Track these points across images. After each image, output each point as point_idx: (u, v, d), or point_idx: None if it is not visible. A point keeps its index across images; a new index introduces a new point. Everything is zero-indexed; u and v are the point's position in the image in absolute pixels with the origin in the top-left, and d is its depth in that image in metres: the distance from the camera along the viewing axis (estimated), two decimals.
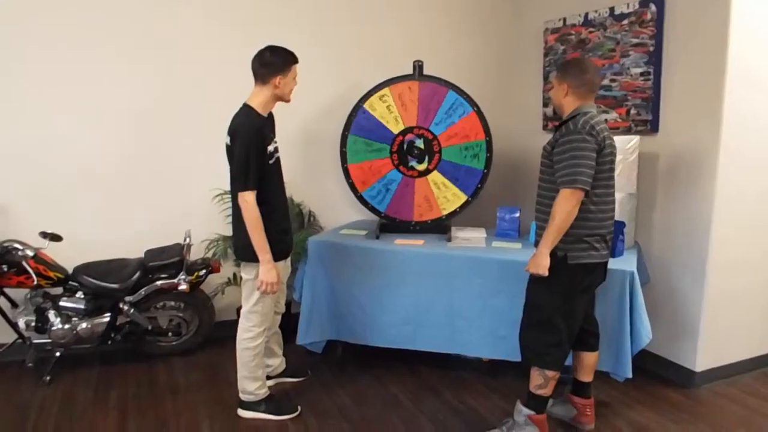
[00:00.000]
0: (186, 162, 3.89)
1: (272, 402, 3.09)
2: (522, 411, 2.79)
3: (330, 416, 3.08)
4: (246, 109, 2.83)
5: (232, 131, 2.79)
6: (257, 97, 2.82)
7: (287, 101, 2.93)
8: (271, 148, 2.88)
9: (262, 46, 2.85)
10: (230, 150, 2.82)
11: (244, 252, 2.86)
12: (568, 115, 2.64)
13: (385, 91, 3.78)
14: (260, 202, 2.77)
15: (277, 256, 2.87)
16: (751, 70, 3.18)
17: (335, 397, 3.29)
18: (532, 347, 2.73)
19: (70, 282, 3.46)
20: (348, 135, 3.81)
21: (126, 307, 3.51)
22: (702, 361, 3.38)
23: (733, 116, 3.16)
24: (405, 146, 3.81)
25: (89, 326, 3.44)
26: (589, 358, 2.94)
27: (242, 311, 2.97)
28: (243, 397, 3.06)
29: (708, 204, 3.25)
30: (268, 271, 2.80)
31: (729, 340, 3.46)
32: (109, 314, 3.49)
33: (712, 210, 3.23)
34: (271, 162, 2.87)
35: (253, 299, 2.91)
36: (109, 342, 3.56)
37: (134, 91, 3.72)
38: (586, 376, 2.96)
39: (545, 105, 4.35)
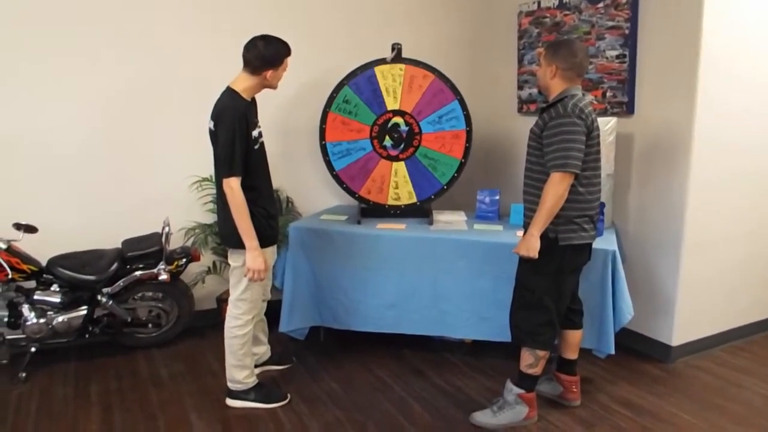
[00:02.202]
0: (162, 149, 3.78)
1: (261, 390, 3.06)
2: (512, 390, 2.84)
3: (320, 403, 3.07)
4: (230, 92, 2.76)
5: (216, 116, 2.73)
6: (243, 83, 2.76)
7: (274, 89, 2.88)
8: (255, 133, 2.82)
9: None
10: (214, 135, 2.75)
11: (231, 239, 2.81)
12: (555, 97, 2.66)
13: (402, 66, 3.73)
14: (247, 187, 2.72)
15: (266, 242, 2.84)
16: (724, 53, 3.27)
17: (323, 384, 3.28)
18: (524, 328, 2.77)
19: (45, 275, 3.34)
20: (345, 86, 3.73)
21: (104, 299, 3.41)
22: (677, 337, 3.50)
23: (707, 99, 3.25)
24: (389, 125, 3.78)
25: (65, 320, 3.33)
26: (575, 336, 3.01)
27: (230, 299, 2.93)
28: (231, 386, 3.02)
29: (682, 185, 3.34)
30: (254, 258, 2.75)
31: (702, 315, 3.58)
32: (86, 307, 3.38)
33: (687, 190, 3.32)
34: (256, 147, 2.82)
35: (242, 287, 2.86)
36: (87, 335, 3.46)
37: (109, 76, 3.58)
38: (572, 354, 3.03)
39: (520, 88, 4.39)
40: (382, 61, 3.72)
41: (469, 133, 3.76)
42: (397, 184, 3.83)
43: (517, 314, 2.80)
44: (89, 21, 3.49)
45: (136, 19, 3.60)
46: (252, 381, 3.04)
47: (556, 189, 2.53)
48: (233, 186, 2.68)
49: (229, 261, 2.92)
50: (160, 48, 3.68)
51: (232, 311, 2.93)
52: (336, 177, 3.83)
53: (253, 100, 2.88)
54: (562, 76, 2.64)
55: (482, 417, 2.87)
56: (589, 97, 2.72)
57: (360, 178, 3.83)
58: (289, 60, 2.84)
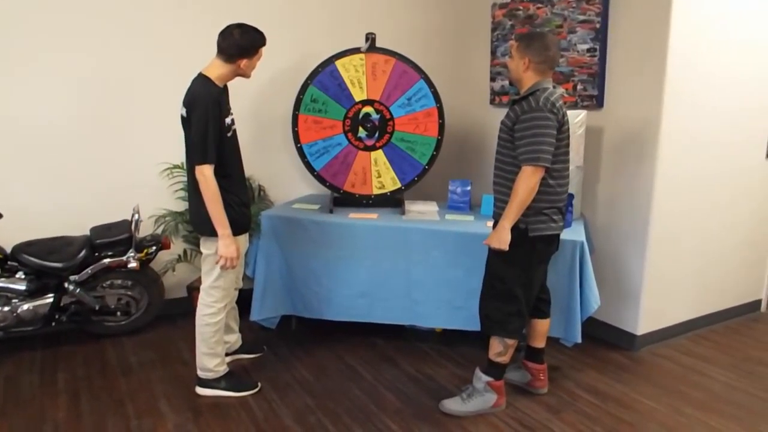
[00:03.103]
0: (133, 135, 3.72)
1: (232, 378, 3.05)
2: (481, 378, 2.89)
3: (292, 391, 3.08)
4: (203, 79, 2.73)
5: (189, 102, 2.70)
6: (217, 70, 2.73)
7: (247, 78, 2.86)
8: (228, 120, 2.80)
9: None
10: (186, 122, 2.72)
11: (203, 226, 2.79)
12: (527, 90, 2.68)
13: (362, 56, 3.71)
14: (219, 175, 2.70)
15: (239, 229, 2.83)
16: (692, 50, 3.34)
17: (294, 372, 3.29)
18: (493, 317, 2.81)
19: (10, 262, 3.27)
20: (309, 85, 3.73)
21: (71, 287, 3.35)
22: (642, 326, 3.59)
23: (675, 94, 3.32)
24: (360, 116, 3.78)
25: (31, 308, 3.28)
26: (542, 325, 3.06)
27: (203, 287, 2.91)
28: (201, 374, 3.01)
29: (650, 177, 3.41)
30: (227, 246, 2.74)
31: (666, 305, 3.68)
32: (52, 295, 3.33)
33: (654, 183, 3.40)
34: (228, 134, 2.80)
35: (214, 274, 2.85)
36: (53, 323, 3.40)
37: (80, 60, 3.51)
38: (539, 343, 3.08)
39: (492, 80, 4.42)
40: (341, 55, 3.71)
41: (440, 109, 3.77)
42: (379, 172, 3.83)
43: (487, 304, 2.84)
44: (61, 5, 3.40)
45: (111, 4, 3.52)
46: (223, 369, 3.04)
47: (528, 182, 2.56)
48: (206, 173, 2.66)
49: (201, 249, 2.90)
50: (133, 33, 3.61)
51: (204, 299, 2.91)
52: (318, 177, 3.82)
53: (225, 87, 2.85)
54: (534, 69, 2.66)
55: (452, 404, 2.91)
56: (560, 90, 2.76)
57: (342, 174, 3.82)
58: (264, 50, 2.82)
